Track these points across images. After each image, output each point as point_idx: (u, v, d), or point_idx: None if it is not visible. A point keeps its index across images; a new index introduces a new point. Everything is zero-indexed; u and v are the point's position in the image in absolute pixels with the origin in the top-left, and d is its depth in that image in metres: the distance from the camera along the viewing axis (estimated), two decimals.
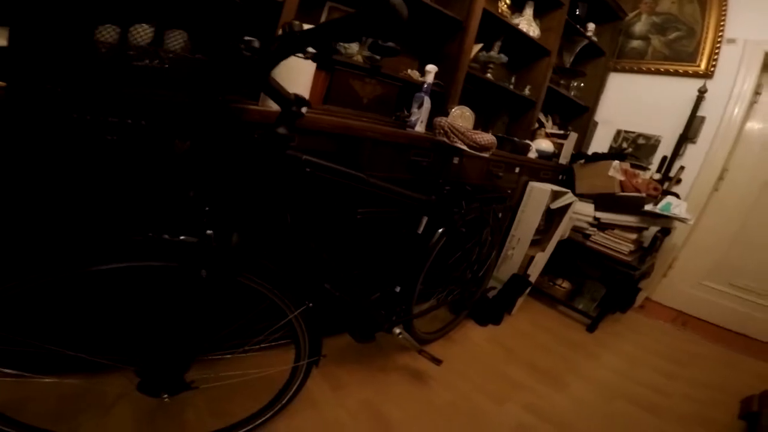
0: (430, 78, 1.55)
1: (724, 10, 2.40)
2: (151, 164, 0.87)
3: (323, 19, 1.59)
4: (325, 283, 1.05)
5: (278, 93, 0.74)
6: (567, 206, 2.05)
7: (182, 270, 0.75)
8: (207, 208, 0.78)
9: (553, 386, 1.58)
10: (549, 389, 1.56)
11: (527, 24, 2.15)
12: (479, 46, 1.95)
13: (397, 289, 1.35)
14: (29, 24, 0.70)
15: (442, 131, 1.27)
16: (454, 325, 1.83)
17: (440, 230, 1.37)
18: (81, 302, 0.86)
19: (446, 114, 1.65)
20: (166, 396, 0.81)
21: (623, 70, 2.79)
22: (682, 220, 2.12)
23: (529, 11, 2.18)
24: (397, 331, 1.33)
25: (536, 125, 2.47)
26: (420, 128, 1.54)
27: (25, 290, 0.65)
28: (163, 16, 1.16)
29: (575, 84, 2.73)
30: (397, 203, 1.21)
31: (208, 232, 0.74)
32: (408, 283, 1.36)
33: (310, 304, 0.96)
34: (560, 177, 2.37)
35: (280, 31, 0.72)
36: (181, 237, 0.74)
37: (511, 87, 2.24)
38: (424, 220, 1.33)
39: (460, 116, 1.64)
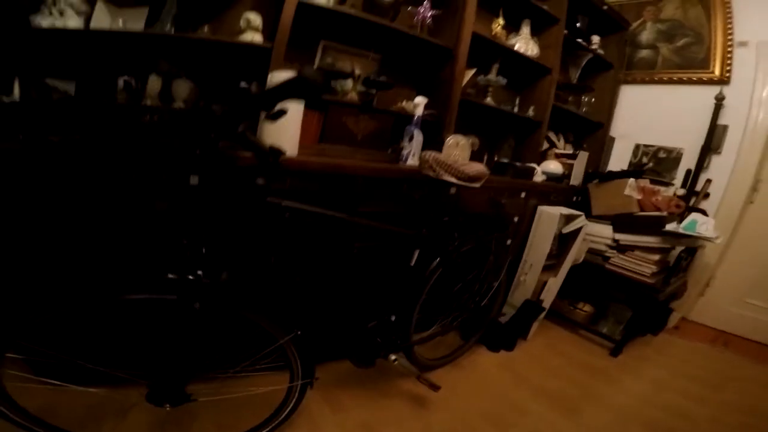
0: (419, 111, 1.65)
1: (729, 13, 2.36)
2: (147, 217, 1.04)
3: (318, 57, 1.73)
4: (316, 312, 1.16)
5: (253, 145, 0.88)
6: (579, 230, 2.04)
7: (179, 302, 0.89)
8: (204, 251, 0.93)
9: (563, 413, 1.56)
10: (558, 416, 1.54)
11: (525, 43, 2.20)
12: (472, 71, 2.03)
13: (393, 318, 1.42)
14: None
15: (428, 165, 1.37)
16: (463, 351, 1.86)
17: (434, 262, 1.44)
18: (103, 326, 1.03)
19: (441, 143, 1.74)
20: (168, 406, 0.94)
21: (635, 82, 2.77)
22: (708, 239, 2.03)
23: (526, 30, 2.23)
24: (393, 357, 1.40)
25: (546, 145, 2.49)
26: (413, 161, 1.64)
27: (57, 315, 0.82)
28: (169, 69, 1.40)
29: (586, 99, 2.72)
30: (388, 237, 1.31)
31: (199, 272, 0.88)
32: (403, 312, 1.44)
33: (299, 332, 1.07)
34: (574, 198, 2.36)
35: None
36: (181, 276, 0.89)
37: (515, 109, 2.29)
38: (416, 252, 1.40)
39: (455, 145, 1.73)
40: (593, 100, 2.74)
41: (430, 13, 1.80)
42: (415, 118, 1.65)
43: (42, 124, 0.94)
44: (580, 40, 2.48)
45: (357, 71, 1.68)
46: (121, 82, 1.43)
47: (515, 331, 2.02)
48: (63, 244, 1.00)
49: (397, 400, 1.49)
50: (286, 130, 1.27)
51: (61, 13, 1.34)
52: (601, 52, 2.62)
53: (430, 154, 1.38)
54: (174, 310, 0.90)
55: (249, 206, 0.92)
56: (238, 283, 0.93)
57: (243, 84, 1.48)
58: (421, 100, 1.67)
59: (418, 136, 1.61)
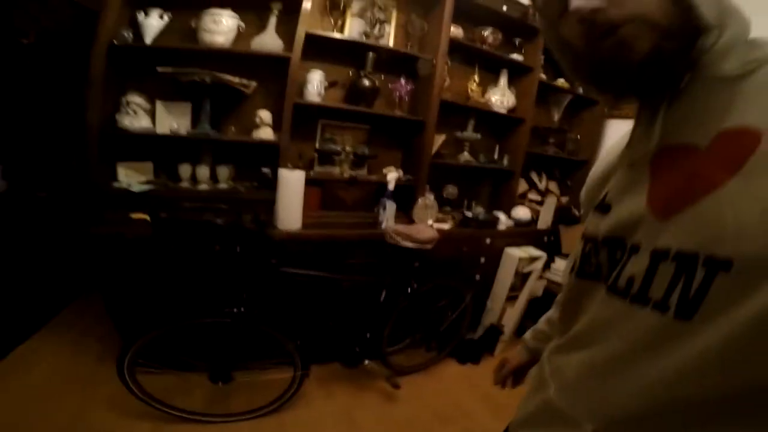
0: (391, 185, 2.28)
1: None
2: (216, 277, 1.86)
3: (318, 133, 2.40)
4: (314, 329, 1.92)
5: (264, 240, 1.65)
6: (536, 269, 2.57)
7: (232, 323, 1.69)
8: (245, 296, 1.72)
9: (495, 416, 2.15)
10: (491, 419, 2.14)
11: (501, 95, 2.66)
12: (442, 137, 2.58)
13: (368, 335, 2.12)
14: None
15: (389, 236, 2.04)
16: (435, 362, 2.51)
17: (397, 300, 2.11)
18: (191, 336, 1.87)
19: (413, 205, 2.38)
20: (220, 383, 1.76)
21: (621, 117, 2.97)
22: None
23: (503, 80, 2.69)
24: (366, 361, 2.11)
25: (525, 187, 2.98)
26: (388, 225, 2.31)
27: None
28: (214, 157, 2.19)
29: (572, 137, 3.10)
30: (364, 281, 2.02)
31: (242, 309, 1.68)
32: (376, 331, 2.13)
33: (299, 342, 1.83)
34: (547, 238, 2.83)
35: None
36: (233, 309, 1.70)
37: (495, 156, 2.80)
38: (384, 292, 2.08)
39: (424, 207, 2.37)
40: (579, 136, 3.11)
41: (406, 89, 2.42)
42: (387, 191, 2.28)
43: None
44: (561, 80, 2.85)
45: (347, 147, 2.34)
46: (183, 169, 2.16)
47: (481, 348, 2.61)
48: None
49: (373, 394, 2.20)
50: (291, 200, 2.00)
51: (135, 112, 1.98)
52: (581, 91, 2.91)
53: (390, 227, 2.05)
54: (230, 328, 1.70)
55: (270, 274, 1.70)
56: (265, 312, 1.71)
57: (264, 170, 2.24)
58: (392, 176, 2.31)
59: (390, 206, 2.26)
